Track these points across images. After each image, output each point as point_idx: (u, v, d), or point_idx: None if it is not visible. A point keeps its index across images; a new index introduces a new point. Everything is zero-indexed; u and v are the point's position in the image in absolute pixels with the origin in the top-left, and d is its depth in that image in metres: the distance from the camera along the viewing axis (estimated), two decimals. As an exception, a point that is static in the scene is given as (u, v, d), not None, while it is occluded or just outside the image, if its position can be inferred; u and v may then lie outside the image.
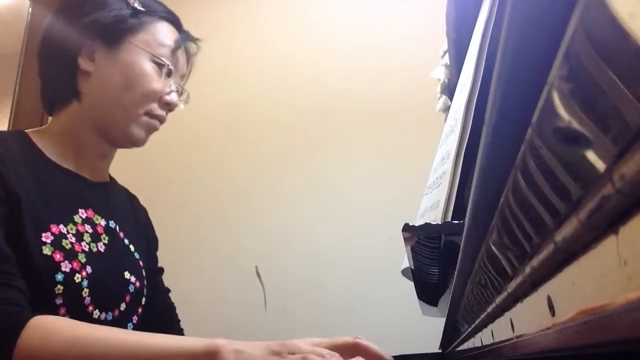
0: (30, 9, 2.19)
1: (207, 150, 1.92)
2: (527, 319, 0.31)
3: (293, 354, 0.59)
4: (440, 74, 1.00)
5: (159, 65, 0.86)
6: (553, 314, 0.25)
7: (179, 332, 0.99)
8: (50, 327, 0.62)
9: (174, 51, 0.88)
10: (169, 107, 0.88)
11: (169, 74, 0.87)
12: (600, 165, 0.16)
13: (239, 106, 1.92)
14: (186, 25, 0.94)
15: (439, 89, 1.00)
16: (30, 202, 0.74)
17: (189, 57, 0.94)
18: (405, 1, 1.86)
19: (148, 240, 1.01)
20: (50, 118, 0.91)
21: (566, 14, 0.17)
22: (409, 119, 1.74)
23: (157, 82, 0.85)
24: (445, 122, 0.79)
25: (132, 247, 0.91)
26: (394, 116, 1.78)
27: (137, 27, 0.85)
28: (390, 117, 1.78)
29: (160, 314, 0.97)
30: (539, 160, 0.21)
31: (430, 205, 0.67)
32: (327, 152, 1.82)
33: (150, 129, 0.88)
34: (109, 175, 0.96)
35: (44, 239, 0.74)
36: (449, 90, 0.96)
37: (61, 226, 0.77)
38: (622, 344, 0.18)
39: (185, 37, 0.91)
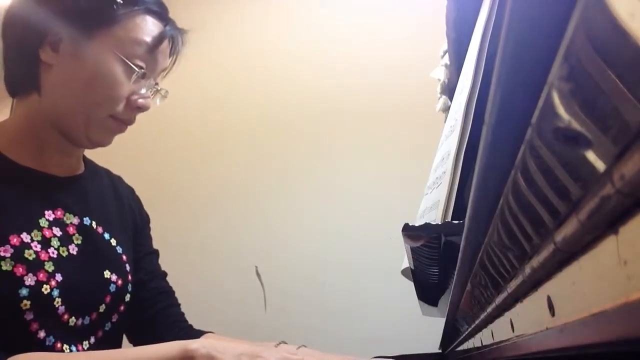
0: (30, 8, 2.18)
1: (206, 149, 1.92)
2: (527, 319, 0.31)
3: None
4: (440, 74, 1.00)
5: (130, 68, 0.76)
6: (553, 314, 0.25)
7: (180, 315, 0.95)
8: None
9: (152, 49, 0.78)
10: (139, 110, 0.80)
11: (142, 76, 0.78)
12: (600, 165, 0.16)
13: (239, 105, 1.92)
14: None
15: (439, 89, 1.00)
16: None
17: (174, 49, 0.84)
18: (405, 1, 1.86)
19: (136, 222, 0.94)
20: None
21: (566, 14, 0.17)
22: (409, 119, 1.74)
23: (124, 87, 0.76)
24: (445, 122, 0.79)
25: (113, 241, 0.85)
26: (394, 116, 1.78)
27: (112, 21, 0.74)
28: (390, 117, 1.78)
29: (156, 300, 0.92)
30: (539, 160, 0.21)
31: (430, 205, 0.67)
32: (327, 152, 1.82)
33: (115, 132, 0.81)
34: (85, 162, 0.88)
35: (2, 254, 0.68)
36: (449, 90, 0.96)
37: (23, 235, 0.71)
38: (622, 344, 0.18)
39: (169, 31, 0.81)
